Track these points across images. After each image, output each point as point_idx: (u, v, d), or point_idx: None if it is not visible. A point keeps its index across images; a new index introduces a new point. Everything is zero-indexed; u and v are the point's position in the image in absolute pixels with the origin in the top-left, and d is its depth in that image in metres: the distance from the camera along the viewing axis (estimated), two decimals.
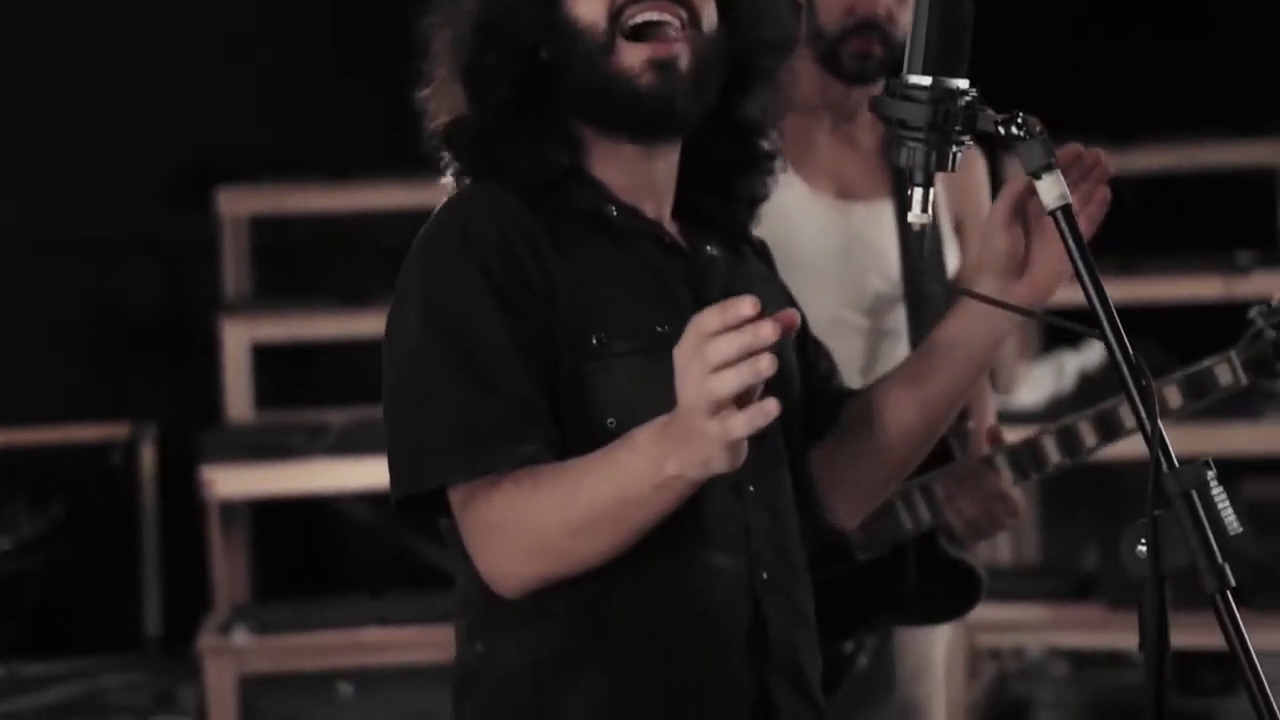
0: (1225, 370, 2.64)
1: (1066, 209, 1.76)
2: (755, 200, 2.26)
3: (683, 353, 1.83)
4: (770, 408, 1.79)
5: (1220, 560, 1.67)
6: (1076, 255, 1.75)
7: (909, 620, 2.87)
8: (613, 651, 2.06)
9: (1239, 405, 6.09)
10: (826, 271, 2.86)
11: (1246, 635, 1.68)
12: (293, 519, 6.45)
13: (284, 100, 6.77)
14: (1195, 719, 5.54)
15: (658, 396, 2.00)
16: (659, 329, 2.06)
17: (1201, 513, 1.67)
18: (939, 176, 2.92)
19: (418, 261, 2.09)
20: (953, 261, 2.99)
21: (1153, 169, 7.23)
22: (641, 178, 2.16)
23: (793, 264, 2.83)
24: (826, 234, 2.85)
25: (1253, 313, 2.68)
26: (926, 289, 2.91)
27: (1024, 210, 2.17)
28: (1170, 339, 7.33)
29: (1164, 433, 1.68)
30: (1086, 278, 1.73)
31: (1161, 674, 1.72)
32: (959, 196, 3.00)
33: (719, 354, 1.78)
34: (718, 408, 1.79)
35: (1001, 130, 1.79)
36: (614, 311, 2.06)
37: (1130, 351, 1.70)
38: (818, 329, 2.83)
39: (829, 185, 2.91)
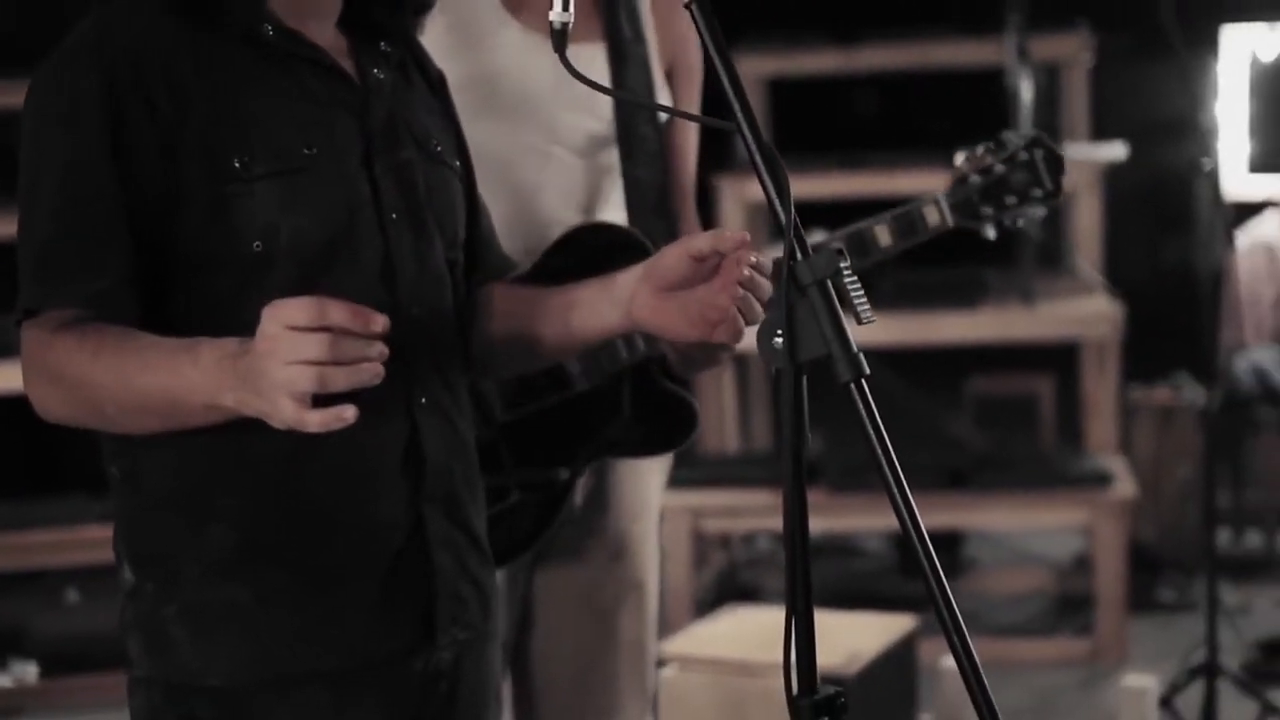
0: (933, 211, 2.74)
1: (700, 2, 1.76)
2: (421, 7, 2.24)
3: (286, 317, 1.78)
4: (348, 415, 1.79)
5: (855, 348, 1.68)
6: (712, 48, 1.75)
7: (624, 451, 2.89)
8: (258, 474, 2.03)
9: (957, 296, 6.24)
10: (538, 109, 2.86)
11: (881, 425, 1.70)
12: (13, 417, 6.31)
13: None
14: (917, 602, 5.63)
15: (303, 219, 1.99)
16: (306, 151, 2.02)
17: (835, 301, 1.69)
18: (653, 25, 2.98)
19: (45, 68, 2.03)
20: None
21: (881, 68, 7.33)
22: None
23: (506, 101, 2.84)
24: (540, 72, 2.85)
25: (958, 159, 2.77)
26: (639, 131, 2.93)
27: (709, 259, 2.06)
28: None
29: (800, 225, 1.69)
30: (723, 71, 1.74)
31: (800, 468, 1.74)
32: (672, 46, 3.01)
33: (338, 352, 1.77)
34: (306, 395, 1.78)
35: None
36: (258, 134, 2.00)
37: (764, 140, 1.71)
38: (529, 161, 2.84)
39: (543, 25, 2.92)
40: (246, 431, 1.95)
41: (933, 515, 5.67)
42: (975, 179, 2.75)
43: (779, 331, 1.70)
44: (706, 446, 6.42)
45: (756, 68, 7.18)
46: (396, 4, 2.19)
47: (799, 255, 1.69)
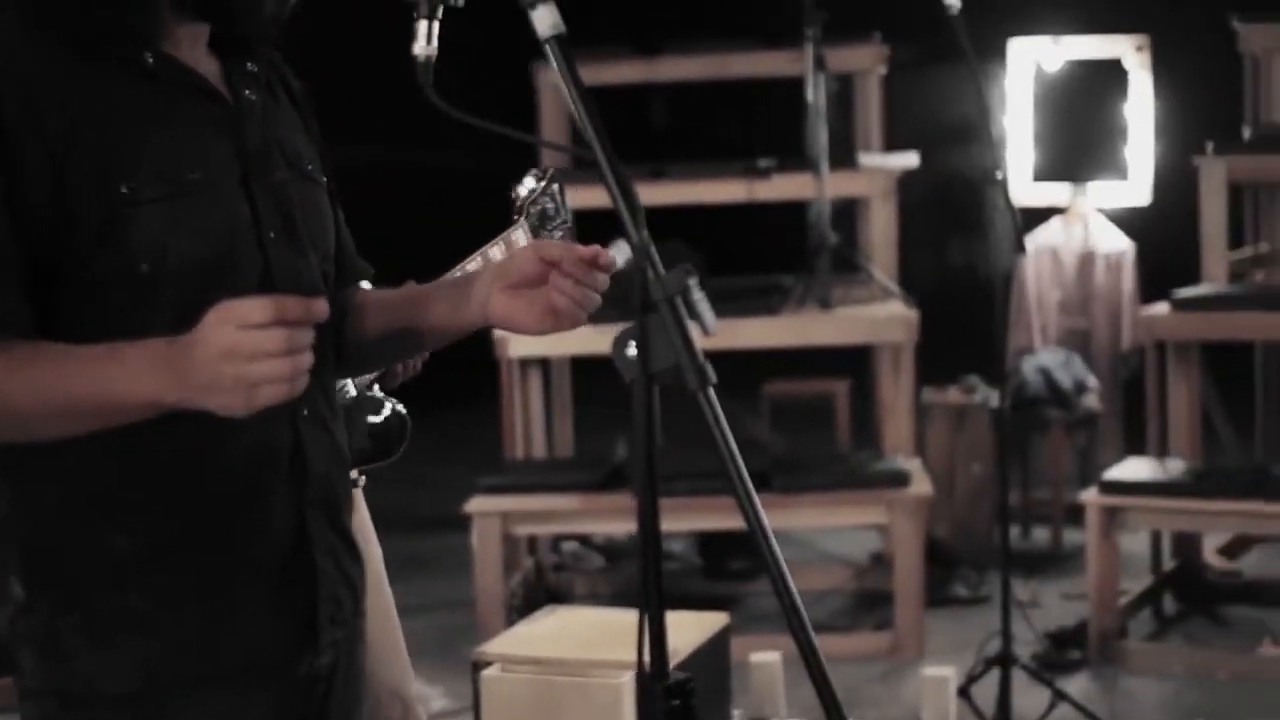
0: (520, 234, 3.05)
1: (559, 38, 1.88)
2: (281, 13, 2.28)
3: (242, 317, 1.87)
4: (301, 386, 1.91)
5: (701, 359, 1.81)
6: (571, 85, 1.87)
7: (359, 462, 3.13)
8: (153, 487, 2.10)
9: (758, 302, 6.41)
10: None
11: (729, 431, 1.82)
12: None
13: None
14: (723, 602, 5.79)
15: (189, 241, 2.07)
16: (190, 175, 2.09)
17: (685, 315, 1.81)
18: None
19: None
20: None
21: (682, 79, 7.49)
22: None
23: None
24: None
25: (516, 191, 3.15)
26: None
27: (559, 265, 2.23)
28: (698, 238, 7.67)
29: (651, 243, 1.81)
30: (580, 102, 1.86)
31: (652, 471, 1.85)
32: None
33: (295, 342, 1.87)
34: (257, 385, 1.88)
35: None
36: (144, 159, 2.07)
37: (619, 169, 1.83)
38: None
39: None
40: (141, 446, 2.04)
41: (737, 517, 5.81)
42: (534, 208, 3.13)
43: (632, 344, 1.82)
44: (514, 453, 6.52)
45: (559, 77, 7.29)
46: (257, 18, 2.24)
47: (652, 273, 1.81)
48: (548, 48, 1.89)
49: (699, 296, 1.83)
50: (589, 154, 1.84)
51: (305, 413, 2.19)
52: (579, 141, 1.88)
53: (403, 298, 2.44)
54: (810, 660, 1.85)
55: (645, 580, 1.86)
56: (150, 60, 2.12)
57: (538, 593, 6.38)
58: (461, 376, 7.16)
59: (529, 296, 2.26)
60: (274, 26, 2.27)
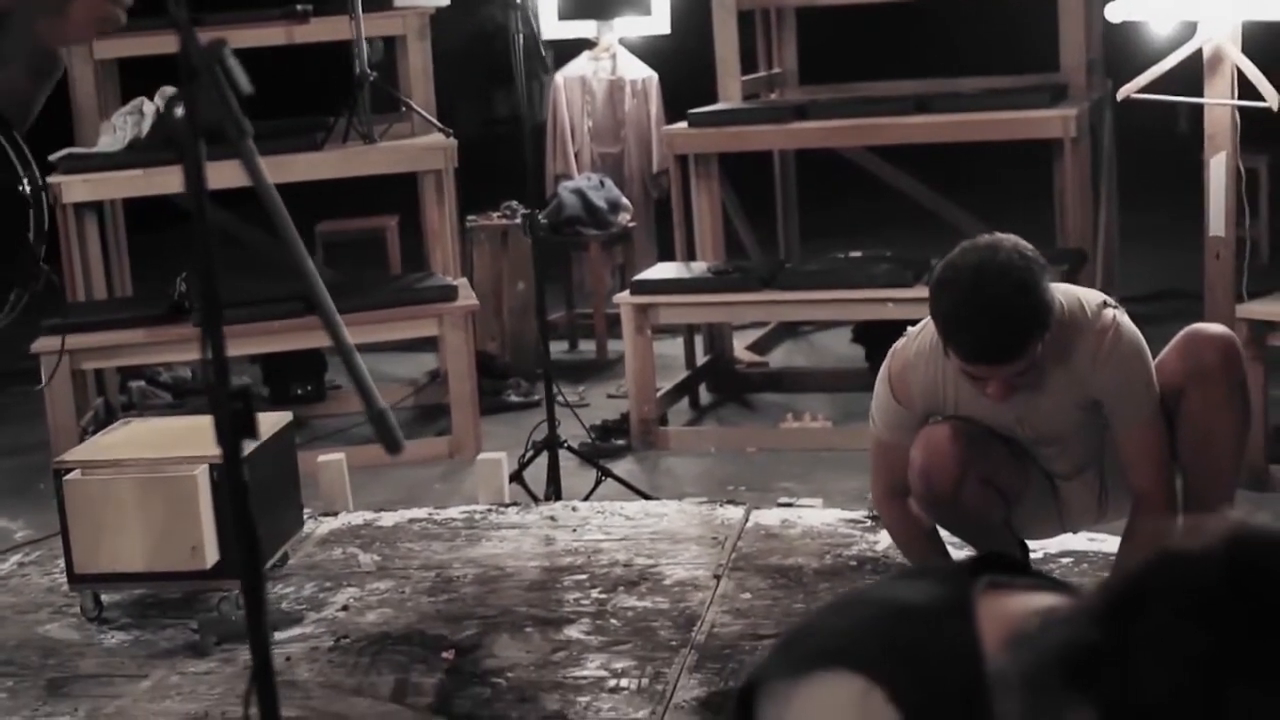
0: None
1: None
2: None
3: None
4: None
5: (240, 115, 2.14)
6: None
7: None
8: None
9: (303, 138, 6.68)
10: None
11: (267, 177, 2.16)
12: None
13: None
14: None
15: None
16: None
17: (224, 80, 2.14)
18: None
19: None
20: None
21: None
22: None
23: None
24: None
25: None
26: None
27: None
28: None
29: (189, 21, 2.14)
30: None
31: (202, 203, 2.17)
32: None
33: None
34: None
35: None
36: None
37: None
38: None
39: None
40: None
41: (298, 340, 6.17)
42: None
43: (181, 106, 2.14)
44: (76, 297, 6.69)
45: None
46: None
47: (191, 49, 2.14)
48: None
49: (233, 64, 2.16)
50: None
51: None
52: None
53: None
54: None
55: (205, 306, 2.20)
56: None
57: (107, 425, 6.59)
58: None
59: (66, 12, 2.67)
60: None
